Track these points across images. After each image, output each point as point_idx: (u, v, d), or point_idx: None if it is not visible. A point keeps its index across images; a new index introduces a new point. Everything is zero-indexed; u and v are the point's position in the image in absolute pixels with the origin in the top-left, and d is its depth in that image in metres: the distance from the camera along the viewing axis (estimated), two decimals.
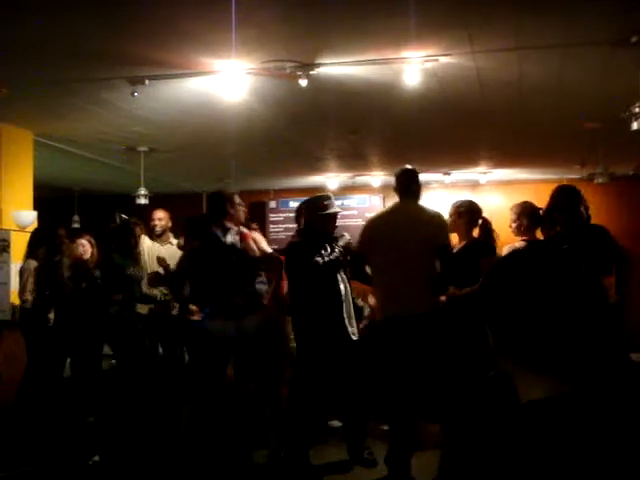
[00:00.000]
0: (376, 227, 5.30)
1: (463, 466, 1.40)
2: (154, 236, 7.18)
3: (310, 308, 5.44)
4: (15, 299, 6.67)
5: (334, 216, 5.63)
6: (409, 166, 5.38)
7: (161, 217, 7.36)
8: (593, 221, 5.01)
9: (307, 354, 5.47)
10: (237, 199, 5.53)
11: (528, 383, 1.37)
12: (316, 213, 5.52)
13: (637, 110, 4.94)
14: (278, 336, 5.77)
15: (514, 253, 1.62)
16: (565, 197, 4.91)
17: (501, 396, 1.52)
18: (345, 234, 5.81)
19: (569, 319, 1.34)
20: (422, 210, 5.32)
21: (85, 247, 6.73)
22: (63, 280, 6.35)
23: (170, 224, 7.38)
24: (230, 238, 5.28)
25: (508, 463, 1.29)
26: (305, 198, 5.91)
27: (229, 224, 5.33)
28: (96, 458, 5.52)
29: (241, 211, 5.59)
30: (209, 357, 5.26)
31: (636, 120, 4.97)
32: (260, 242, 5.52)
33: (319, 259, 5.40)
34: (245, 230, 5.47)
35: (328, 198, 5.64)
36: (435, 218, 5.27)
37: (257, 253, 5.35)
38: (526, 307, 1.36)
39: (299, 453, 5.39)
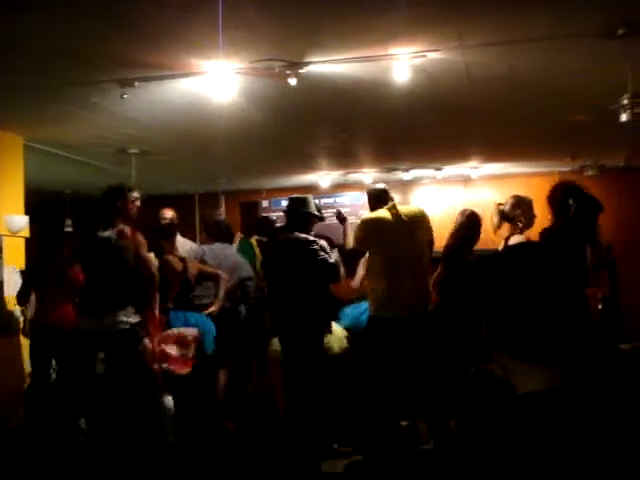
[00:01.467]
0: (377, 226, 5.40)
1: (457, 458, 1.41)
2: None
3: (311, 306, 5.49)
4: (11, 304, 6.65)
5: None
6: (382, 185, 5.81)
7: (172, 217, 7.30)
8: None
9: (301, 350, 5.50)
10: (133, 195, 5.58)
11: (524, 375, 1.38)
12: (311, 211, 5.63)
13: (626, 102, 4.96)
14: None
15: (507, 249, 1.64)
16: (552, 193, 5.02)
17: (482, 391, 1.53)
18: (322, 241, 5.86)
19: (560, 309, 1.36)
20: (411, 208, 5.55)
21: None
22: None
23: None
24: (108, 233, 5.32)
25: (504, 455, 1.30)
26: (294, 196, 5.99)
27: (117, 220, 5.37)
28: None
29: (135, 207, 5.62)
30: (77, 352, 5.34)
31: (625, 112, 4.99)
32: (142, 246, 5.49)
33: (328, 257, 5.50)
34: (127, 228, 5.45)
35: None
36: (423, 213, 5.50)
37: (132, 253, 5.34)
38: (518, 299, 1.37)
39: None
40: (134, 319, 5.27)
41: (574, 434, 1.30)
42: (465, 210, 5.97)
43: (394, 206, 5.54)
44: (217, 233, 6.97)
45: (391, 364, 5.29)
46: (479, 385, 1.50)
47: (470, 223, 5.80)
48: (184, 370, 5.63)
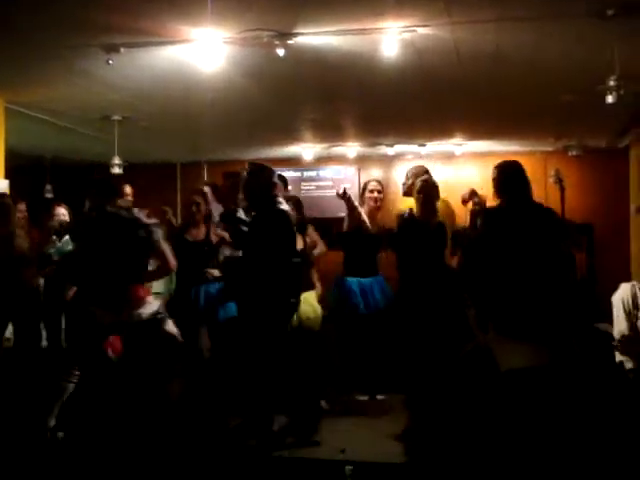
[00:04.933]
0: None
1: (440, 433, 1.43)
2: None
3: None
4: None
5: None
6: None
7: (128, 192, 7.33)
8: (569, 193, 5.11)
9: None
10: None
11: (509, 352, 1.40)
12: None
13: (612, 83, 4.98)
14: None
15: (490, 226, 1.65)
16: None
17: (479, 367, 1.54)
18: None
19: (545, 286, 1.37)
20: None
21: (66, 217, 6.87)
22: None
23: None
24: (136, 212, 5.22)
25: (488, 429, 1.32)
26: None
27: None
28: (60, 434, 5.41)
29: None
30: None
31: (611, 93, 5.01)
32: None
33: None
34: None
35: None
36: None
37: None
38: (505, 275, 1.39)
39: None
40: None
41: (556, 411, 1.32)
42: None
43: None
44: None
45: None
46: (476, 361, 1.52)
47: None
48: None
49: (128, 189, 7.40)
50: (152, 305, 5.21)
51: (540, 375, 1.17)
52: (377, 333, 6.01)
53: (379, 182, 6.52)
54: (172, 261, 5.22)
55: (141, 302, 5.12)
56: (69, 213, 7.17)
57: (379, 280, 6.18)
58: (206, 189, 6.93)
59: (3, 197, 6.38)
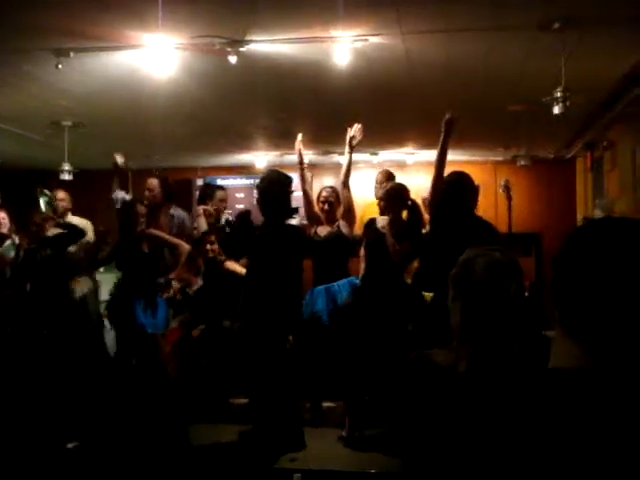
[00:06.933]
0: None
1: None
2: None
3: None
4: None
5: None
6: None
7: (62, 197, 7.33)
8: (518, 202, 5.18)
9: None
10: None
11: (563, 349, 1.36)
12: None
13: (559, 95, 5.08)
14: None
15: (590, 226, 1.62)
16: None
17: (422, 378, 1.54)
18: None
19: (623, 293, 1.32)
20: None
21: (5, 221, 6.79)
22: None
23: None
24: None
25: (528, 427, 1.28)
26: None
27: None
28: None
29: None
30: None
31: (557, 104, 5.11)
32: None
33: None
34: None
35: None
36: None
37: None
38: (591, 278, 1.35)
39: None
40: None
41: (593, 415, 1.27)
42: None
43: None
44: None
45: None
46: (418, 371, 1.51)
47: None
48: None
49: (62, 194, 7.36)
50: None
51: (587, 376, 1.17)
52: (339, 343, 5.93)
53: (333, 189, 6.52)
54: None
55: None
56: (9, 218, 7.06)
57: (346, 282, 6.07)
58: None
59: None
